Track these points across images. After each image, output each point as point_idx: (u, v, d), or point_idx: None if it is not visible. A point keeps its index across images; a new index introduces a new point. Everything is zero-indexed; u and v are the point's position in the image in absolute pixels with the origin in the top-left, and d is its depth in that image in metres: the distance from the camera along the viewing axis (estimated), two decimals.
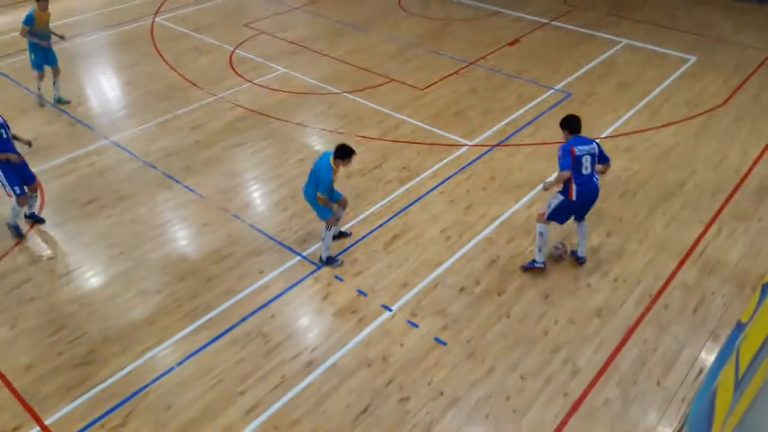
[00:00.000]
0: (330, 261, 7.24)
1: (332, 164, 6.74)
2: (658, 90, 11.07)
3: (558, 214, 6.88)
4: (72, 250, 7.56)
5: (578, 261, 7.30)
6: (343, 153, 6.73)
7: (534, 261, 7.15)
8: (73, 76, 11.76)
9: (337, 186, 8.59)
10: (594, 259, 7.31)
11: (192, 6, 15.25)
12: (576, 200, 6.70)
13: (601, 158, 6.80)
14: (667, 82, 11.35)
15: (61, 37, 10.65)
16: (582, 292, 6.87)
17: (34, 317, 6.63)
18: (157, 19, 14.48)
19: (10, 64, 12.23)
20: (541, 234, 6.96)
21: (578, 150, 6.55)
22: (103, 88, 11.53)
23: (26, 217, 7.93)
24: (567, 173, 6.56)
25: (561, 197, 6.75)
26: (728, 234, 7.70)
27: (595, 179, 6.73)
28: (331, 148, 9.30)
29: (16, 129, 9.85)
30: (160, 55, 12.61)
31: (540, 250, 7.05)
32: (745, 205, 8.18)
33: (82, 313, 6.66)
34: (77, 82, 11.62)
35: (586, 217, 7.11)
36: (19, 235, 7.69)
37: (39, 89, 10.65)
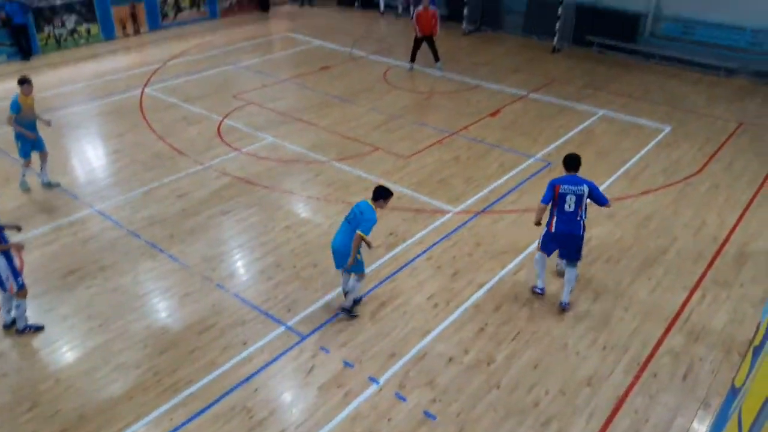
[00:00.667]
0: (350, 311, 7.36)
1: (372, 207, 6.88)
2: (635, 158, 11.37)
3: (544, 245, 7.45)
4: (49, 322, 7.36)
5: (561, 306, 7.53)
6: (384, 193, 6.94)
7: (536, 285, 7.84)
8: (59, 146, 11.80)
9: (326, 252, 8.60)
10: (582, 326, 7.29)
11: (182, 77, 15.57)
12: (555, 232, 7.23)
13: (596, 200, 7.28)
14: (644, 151, 11.67)
15: (47, 123, 10.14)
16: (571, 360, 6.81)
17: (6, 394, 6.38)
18: (146, 89, 14.74)
19: None
20: (536, 260, 7.67)
21: (563, 188, 7.14)
22: (89, 157, 11.57)
23: (5, 327, 7.25)
24: (542, 206, 7.23)
25: (545, 228, 7.37)
26: (712, 300, 7.75)
27: (578, 219, 7.18)
28: (319, 215, 9.43)
29: (1, 198, 9.86)
30: (149, 124, 12.76)
31: (538, 276, 7.75)
32: (726, 272, 8.28)
33: (57, 389, 6.43)
34: (64, 152, 11.65)
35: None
36: (39, 328, 7.18)
37: (24, 176, 10.11)
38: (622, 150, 11.72)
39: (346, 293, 7.51)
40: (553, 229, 7.24)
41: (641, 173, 10.85)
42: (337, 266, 7.27)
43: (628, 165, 11.13)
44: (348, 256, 6.88)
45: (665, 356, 6.87)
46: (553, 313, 7.52)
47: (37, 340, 7.09)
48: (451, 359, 6.81)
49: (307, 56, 17.43)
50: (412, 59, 16.08)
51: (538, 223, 7.42)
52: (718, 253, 8.69)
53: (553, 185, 7.18)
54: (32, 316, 7.34)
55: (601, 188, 10.28)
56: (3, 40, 16.69)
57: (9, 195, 10.03)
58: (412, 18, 15.83)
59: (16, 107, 9.59)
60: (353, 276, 7.23)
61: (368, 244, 6.89)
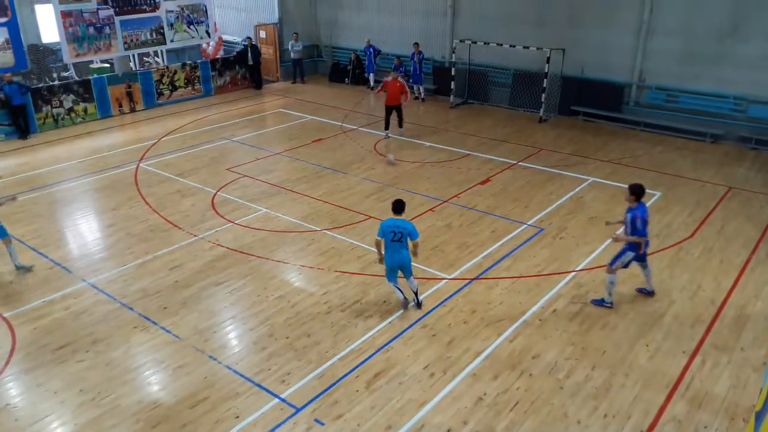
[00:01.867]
0: (419, 302, 8.90)
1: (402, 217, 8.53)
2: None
3: (628, 265, 8.68)
4: (40, 398, 7.18)
5: (650, 293, 9.13)
6: (404, 205, 8.62)
7: (603, 300, 8.84)
8: (53, 221, 11.87)
9: (320, 321, 8.54)
10: (582, 394, 7.16)
11: (176, 152, 15.82)
12: (644, 252, 8.61)
13: None
14: None
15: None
16: (572, 430, 6.65)
17: None
18: (141, 164, 14.94)
19: None
20: (612, 282, 8.69)
21: (648, 216, 8.41)
22: (83, 231, 11.58)
23: None
24: (642, 239, 8.40)
25: (632, 253, 8.53)
26: (713, 365, 7.65)
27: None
28: (312, 284, 9.39)
29: None
30: (143, 198, 12.86)
31: (610, 294, 8.75)
32: (726, 335, 8.22)
33: None
34: (58, 226, 11.68)
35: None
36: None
37: (17, 260, 9.91)
38: (614, 215, 11.77)
39: (405, 302, 8.85)
40: (642, 251, 8.55)
41: None
42: (392, 279, 8.72)
43: (621, 230, 11.20)
44: (408, 263, 8.55)
45: (669, 424, 6.72)
46: (552, 381, 7.39)
47: (27, 416, 6.89)
48: (449, 431, 6.63)
49: (300, 130, 17.81)
50: (386, 127, 16.89)
51: (617, 241, 9.15)
52: (716, 316, 8.65)
53: (647, 220, 8.37)
54: (23, 391, 7.21)
55: (595, 254, 10.39)
56: (1, 120, 16.96)
57: (2, 269, 9.96)
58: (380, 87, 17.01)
59: None
60: (409, 278, 8.73)
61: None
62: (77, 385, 7.38)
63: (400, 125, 17.02)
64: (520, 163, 14.80)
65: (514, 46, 18.36)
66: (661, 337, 8.20)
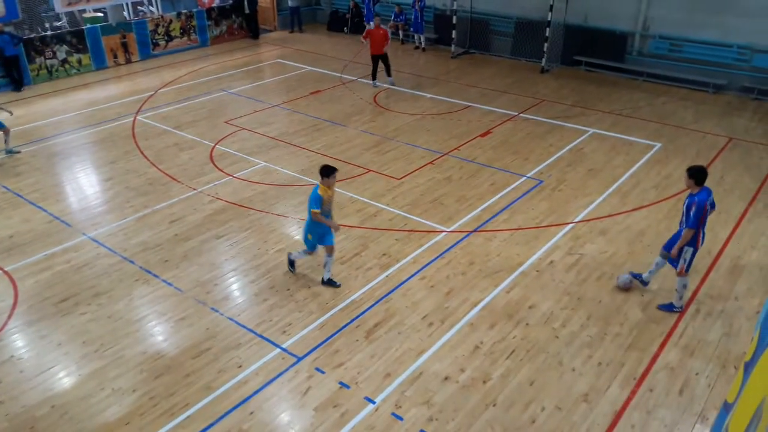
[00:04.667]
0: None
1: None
2: (626, 175, 11.46)
3: (692, 264, 7.53)
4: (44, 350, 7.32)
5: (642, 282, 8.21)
6: (325, 170, 7.86)
7: (672, 305, 7.82)
8: (51, 174, 11.85)
9: (320, 274, 8.61)
10: (577, 343, 7.29)
11: (173, 105, 15.66)
12: (701, 245, 7.45)
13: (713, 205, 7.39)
14: (635, 167, 11.78)
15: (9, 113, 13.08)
16: (567, 376, 6.80)
17: (2, 422, 6.32)
18: (138, 117, 14.81)
19: None
20: (685, 285, 7.64)
21: (708, 204, 7.18)
22: (82, 185, 11.58)
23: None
24: (694, 232, 7.21)
25: (691, 249, 7.38)
26: (707, 314, 7.77)
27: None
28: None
29: None
30: (141, 151, 12.80)
31: (681, 298, 7.74)
32: (720, 285, 8.32)
33: (52, 416, 6.38)
34: (56, 180, 11.67)
35: None
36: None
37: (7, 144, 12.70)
38: (614, 167, 11.82)
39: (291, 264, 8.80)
40: (700, 245, 7.44)
41: (633, 189, 10.94)
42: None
43: (619, 182, 11.22)
44: (304, 235, 8.36)
45: (661, 371, 6.87)
46: (547, 330, 7.52)
47: (33, 367, 7.04)
48: (446, 378, 6.79)
49: (298, 81, 17.59)
50: (373, 77, 16.83)
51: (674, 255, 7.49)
52: (711, 266, 8.74)
53: (703, 207, 7.10)
54: (27, 343, 7.34)
55: (594, 205, 10.41)
56: None
57: (2, 224, 10.01)
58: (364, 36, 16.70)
59: None
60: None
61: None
62: (80, 337, 7.51)
63: (389, 74, 16.79)
64: (520, 115, 14.67)
65: None
66: (656, 287, 8.29)
